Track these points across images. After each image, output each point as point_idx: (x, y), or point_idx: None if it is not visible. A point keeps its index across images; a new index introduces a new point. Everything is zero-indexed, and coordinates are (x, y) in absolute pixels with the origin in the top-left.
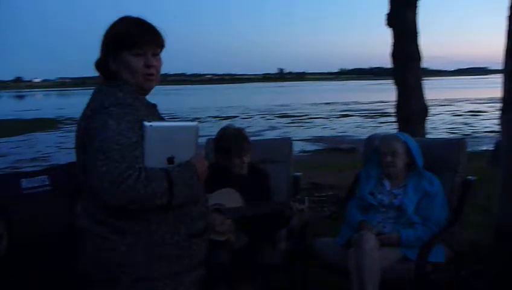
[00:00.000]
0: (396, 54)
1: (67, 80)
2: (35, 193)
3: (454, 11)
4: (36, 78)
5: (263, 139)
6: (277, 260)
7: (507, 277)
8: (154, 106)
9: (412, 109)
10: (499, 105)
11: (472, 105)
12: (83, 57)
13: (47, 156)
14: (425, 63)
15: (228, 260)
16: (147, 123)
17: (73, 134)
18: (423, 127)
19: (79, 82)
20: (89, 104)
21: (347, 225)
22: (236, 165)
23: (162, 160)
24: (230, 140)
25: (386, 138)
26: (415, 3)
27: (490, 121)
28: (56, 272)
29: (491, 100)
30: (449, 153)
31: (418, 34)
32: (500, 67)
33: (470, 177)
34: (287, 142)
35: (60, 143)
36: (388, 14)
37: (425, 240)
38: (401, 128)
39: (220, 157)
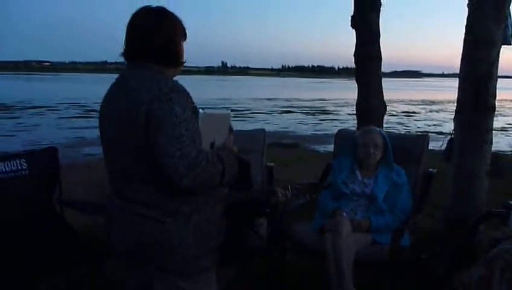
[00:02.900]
0: (358, 54)
1: None
2: (13, 176)
3: (396, 16)
4: None
5: (238, 130)
6: (258, 245)
7: (459, 258)
8: None
9: (371, 106)
10: (430, 107)
11: (406, 106)
12: None
13: None
14: None
15: None
16: (201, 110)
17: None
18: (381, 124)
19: None
20: (139, 90)
21: (319, 212)
22: None
23: (207, 144)
24: None
25: (369, 131)
26: (378, 7)
27: (422, 121)
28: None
29: (423, 102)
30: (413, 148)
31: (379, 36)
32: (432, 71)
33: (431, 169)
34: (261, 133)
35: None
36: (353, 17)
37: (393, 226)
38: (360, 125)
39: None
